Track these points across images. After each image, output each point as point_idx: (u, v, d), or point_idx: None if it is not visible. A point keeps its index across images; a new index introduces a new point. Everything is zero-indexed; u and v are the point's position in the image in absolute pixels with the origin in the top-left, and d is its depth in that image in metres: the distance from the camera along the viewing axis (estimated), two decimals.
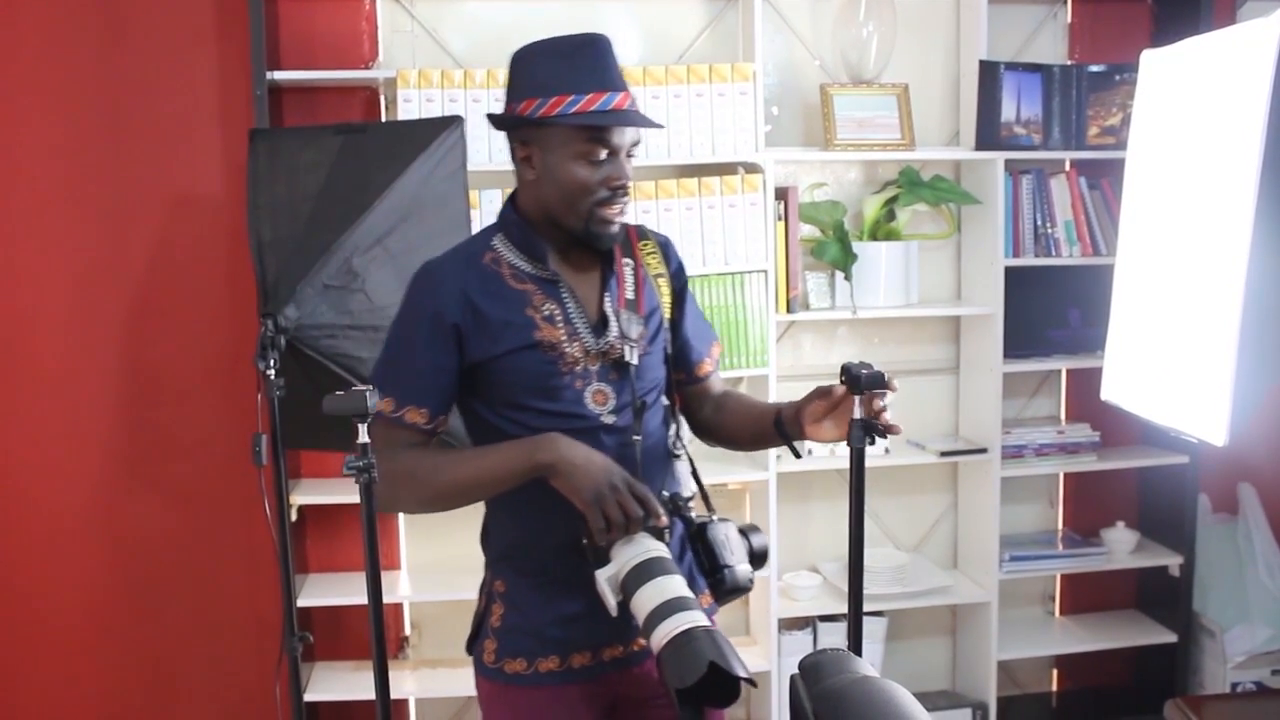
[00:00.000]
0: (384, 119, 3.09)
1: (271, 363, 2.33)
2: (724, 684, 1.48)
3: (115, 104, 3.04)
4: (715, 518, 1.78)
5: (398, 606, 3.24)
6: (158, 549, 3.18)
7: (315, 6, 3.09)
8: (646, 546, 1.59)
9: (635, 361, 1.73)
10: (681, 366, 1.89)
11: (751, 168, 3.05)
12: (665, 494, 1.70)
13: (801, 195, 3.18)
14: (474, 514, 3.17)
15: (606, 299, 1.75)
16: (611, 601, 1.58)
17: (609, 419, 1.72)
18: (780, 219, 3.07)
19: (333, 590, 3.07)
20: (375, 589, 1.92)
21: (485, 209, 2.90)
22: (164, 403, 3.14)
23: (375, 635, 1.96)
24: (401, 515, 3.22)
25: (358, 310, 2.41)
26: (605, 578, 1.58)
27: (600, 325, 1.74)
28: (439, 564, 3.21)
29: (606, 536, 1.58)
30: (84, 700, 3.21)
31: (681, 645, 1.48)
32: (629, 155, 1.71)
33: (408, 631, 3.27)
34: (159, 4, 3.03)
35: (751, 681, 1.47)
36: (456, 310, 1.68)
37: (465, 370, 1.71)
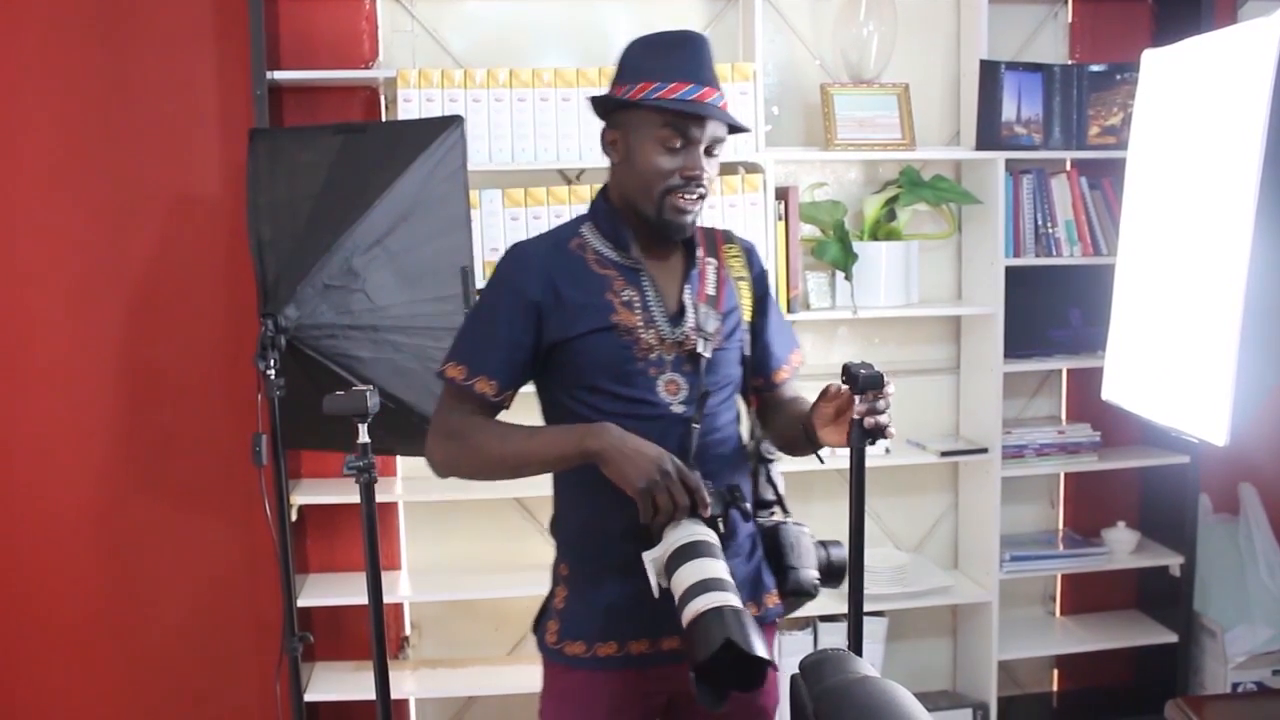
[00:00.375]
0: (384, 119, 3.09)
1: (271, 363, 2.34)
2: (748, 668, 1.48)
3: (115, 104, 3.04)
4: (792, 522, 1.82)
5: (398, 606, 3.23)
6: (158, 549, 3.18)
7: (315, 6, 3.09)
8: (693, 530, 1.60)
9: (708, 355, 1.76)
10: (760, 372, 1.92)
11: (752, 167, 3.05)
12: (723, 486, 1.72)
13: (802, 195, 3.17)
14: (474, 514, 3.17)
15: (686, 291, 1.79)
16: (655, 582, 1.59)
17: (678, 409, 1.75)
18: (780, 219, 3.07)
19: (333, 590, 3.07)
20: (375, 589, 1.92)
21: (485, 209, 2.89)
22: (164, 402, 3.14)
23: (375, 635, 1.96)
24: (402, 515, 3.22)
25: (358, 310, 2.42)
26: (651, 559, 1.60)
27: (678, 316, 1.78)
28: (439, 564, 3.21)
29: (655, 522, 1.60)
30: (84, 700, 3.20)
31: (705, 622, 1.49)
32: (711, 153, 1.75)
33: (408, 631, 3.27)
34: (159, 4, 3.03)
35: (772, 664, 1.47)
36: (539, 289, 1.73)
37: (543, 351, 1.75)
